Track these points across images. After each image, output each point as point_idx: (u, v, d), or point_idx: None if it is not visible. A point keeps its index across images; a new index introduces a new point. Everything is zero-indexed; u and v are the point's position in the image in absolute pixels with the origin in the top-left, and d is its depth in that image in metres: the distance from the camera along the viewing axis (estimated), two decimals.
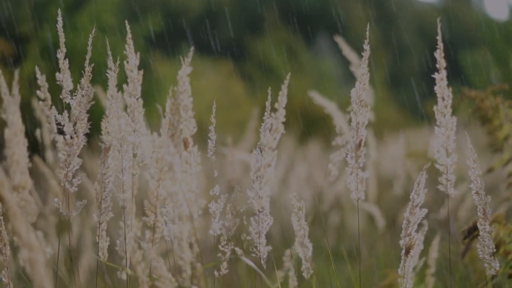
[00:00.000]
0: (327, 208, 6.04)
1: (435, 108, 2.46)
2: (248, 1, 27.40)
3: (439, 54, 2.46)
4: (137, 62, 2.49)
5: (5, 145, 2.93)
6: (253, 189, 2.41)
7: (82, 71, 2.46)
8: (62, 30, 2.47)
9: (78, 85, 2.47)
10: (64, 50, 2.47)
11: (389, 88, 22.67)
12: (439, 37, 2.45)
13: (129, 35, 2.48)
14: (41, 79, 2.66)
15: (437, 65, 2.47)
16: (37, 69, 2.69)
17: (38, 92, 2.69)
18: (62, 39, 2.46)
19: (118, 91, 2.47)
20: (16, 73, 2.97)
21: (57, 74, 2.46)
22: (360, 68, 2.46)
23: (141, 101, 2.49)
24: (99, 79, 3.67)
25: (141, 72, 2.49)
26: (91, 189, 4.00)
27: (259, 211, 2.41)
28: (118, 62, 2.48)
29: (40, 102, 2.69)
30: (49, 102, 2.68)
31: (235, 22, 26.79)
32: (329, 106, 3.79)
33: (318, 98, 4.06)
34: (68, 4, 11.83)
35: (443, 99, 2.47)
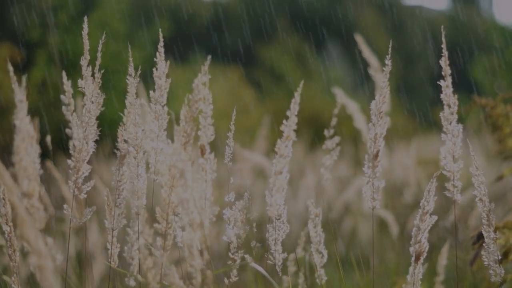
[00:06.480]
0: (336, 215, 6.03)
1: (441, 114, 2.46)
2: (257, 8, 27.42)
3: (444, 62, 2.47)
4: (166, 70, 2.47)
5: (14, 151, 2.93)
6: (269, 197, 2.41)
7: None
8: (87, 37, 2.44)
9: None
10: (88, 57, 2.43)
11: (399, 95, 22.65)
12: (443, 45, 2.46)
13: (161, 43, 2.46)
14: (67, 84, 2.66)
15: (442, 72, 2.47)
16: (64, 74, 2.69)
17: (62, 96, 2.68)
18: (86, 47, 2.44)
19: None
20: (24, 78, 2.97)
21: (79, 81, 2.44)
22: (381, 81, 2.45)
23: (166, 108, 2.46)
24: (107, 85, 3.67)
25: (169, 80, 2.47)
26: (101, 195, 4.00)
27: (276, 218, 2.41)
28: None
29: (63, 107, 2.68)
30: (72, 107, 2.67)
31: (244, 29, 26.82)
32: (351, 106, 3.75)
33: (340, 96, 4.02)
34: (77, 10, 11.86)
35: (449, 106, 2.47)
